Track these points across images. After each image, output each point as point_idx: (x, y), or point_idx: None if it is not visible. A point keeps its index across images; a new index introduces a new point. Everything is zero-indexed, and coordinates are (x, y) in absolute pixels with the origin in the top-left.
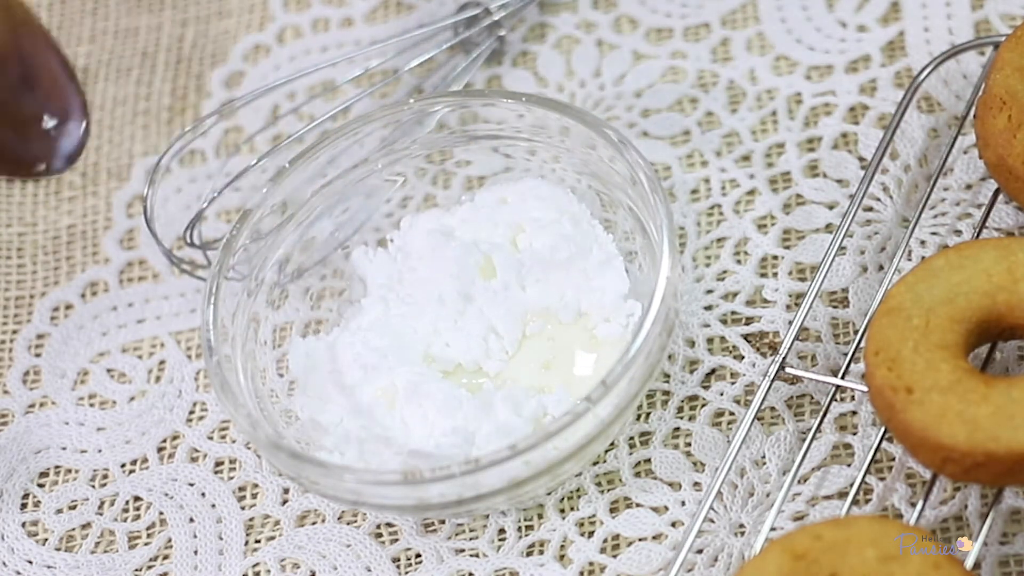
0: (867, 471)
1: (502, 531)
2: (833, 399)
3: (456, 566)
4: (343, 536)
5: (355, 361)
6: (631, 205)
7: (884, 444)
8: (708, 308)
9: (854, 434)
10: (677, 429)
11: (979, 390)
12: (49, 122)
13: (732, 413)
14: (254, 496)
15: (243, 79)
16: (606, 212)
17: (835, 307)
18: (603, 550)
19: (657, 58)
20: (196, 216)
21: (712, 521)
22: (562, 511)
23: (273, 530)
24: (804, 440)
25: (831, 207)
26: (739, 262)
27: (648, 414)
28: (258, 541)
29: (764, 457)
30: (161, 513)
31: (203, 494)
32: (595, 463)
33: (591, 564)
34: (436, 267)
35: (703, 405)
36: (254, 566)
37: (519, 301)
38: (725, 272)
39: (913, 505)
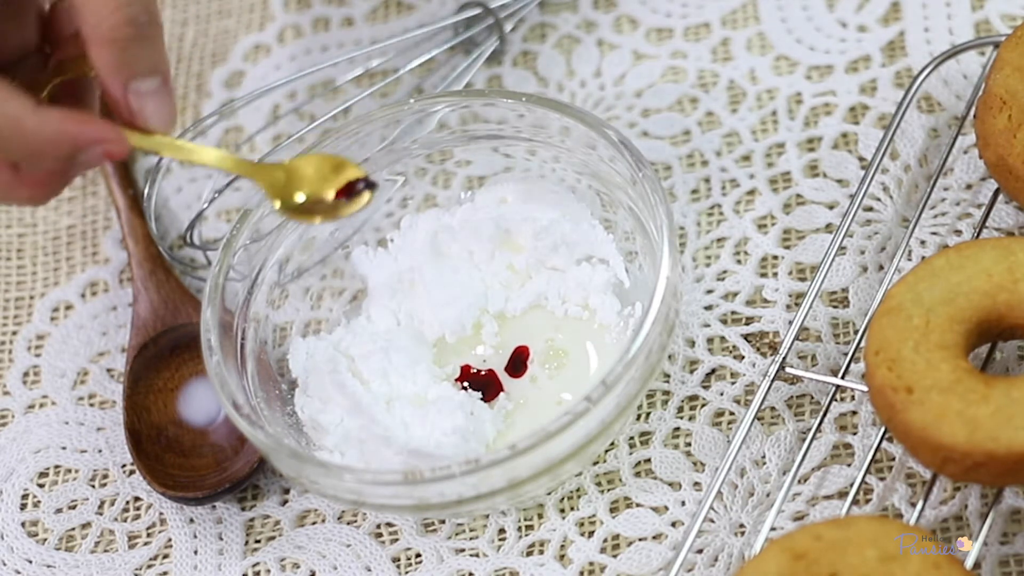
0: (867, 471)
1: (502, 531)
2: (833, 399)
3: (456, 566)
4: (343, 536)
5: (356, 361)
6: (631, 205)
7: (884, 444)
8: (708, 308)
9: (854, 434)
10: (677, 429)
11: (979, 390)
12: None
13: (732, 413)
14: (254, 496)
15: (243, 79)
16: (606, 212)
17: (835, 307)
18: (603, 550)
19: (657, 58)
20: (196, 216)
21: (712, 521)
22: (562, 511)
23: (273, 530)
24: (804, 440)
25: (831, 207)
26: (739, 262)
27: (648, 414)
28: (258, 541)
29: (764, 457)
30: (161, 513)
31: None
32: (595, 463)
33: (591, 564)
34: (438, 271)
35: (703, 405)
36: (254, 566)
37: (520, 302)
38: (725, 272)
39: (913, 505)
